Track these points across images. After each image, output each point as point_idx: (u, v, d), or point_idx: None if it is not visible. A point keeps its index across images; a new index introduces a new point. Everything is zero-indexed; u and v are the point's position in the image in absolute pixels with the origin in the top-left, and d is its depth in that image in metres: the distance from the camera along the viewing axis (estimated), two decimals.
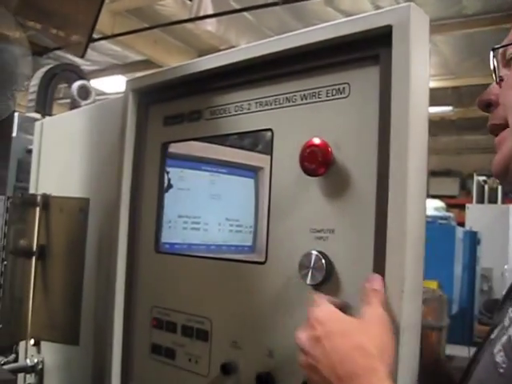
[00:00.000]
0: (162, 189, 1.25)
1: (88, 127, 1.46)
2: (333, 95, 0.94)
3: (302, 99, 0.99)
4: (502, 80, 0.88)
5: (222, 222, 1.44)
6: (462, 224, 5.34)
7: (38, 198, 1.50)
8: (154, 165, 1.24)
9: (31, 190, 1.68)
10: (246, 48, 1.06)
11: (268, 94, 1.04)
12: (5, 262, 1.27)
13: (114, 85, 7.30)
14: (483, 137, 9.18)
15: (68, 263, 1.45)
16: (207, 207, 1.43)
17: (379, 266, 0.84)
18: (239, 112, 1.08)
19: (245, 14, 5.34)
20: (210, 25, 5.55)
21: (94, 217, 1.41)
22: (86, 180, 1.45)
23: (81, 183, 1.46)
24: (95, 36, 5.51)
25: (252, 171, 1.17)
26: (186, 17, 5.39)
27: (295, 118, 0.99)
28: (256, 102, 1.06)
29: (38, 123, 1.71)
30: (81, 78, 3.49)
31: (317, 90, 0.97)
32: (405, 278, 0.81)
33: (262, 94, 1.05)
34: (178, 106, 1.21)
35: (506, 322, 0.81)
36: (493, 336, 0.87)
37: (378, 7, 5.05)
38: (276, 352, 0.98)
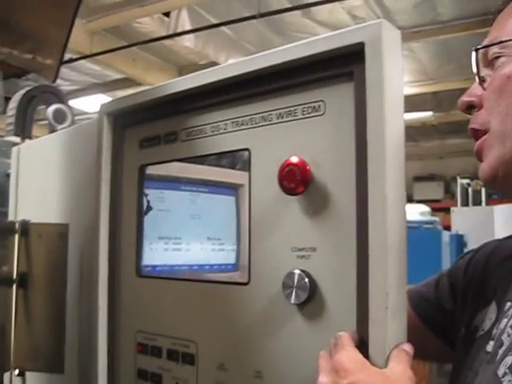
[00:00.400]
0: (141, 212, 1.23)
1: (64, 151, 1.45)
2: (308, 113, 0.94)
3: (277, 118, 0.98)
4: (483, 81, 0.88)
5: (204, 242, 1.43)
6: (447, 227, 5.38)
7: (17, 224, 1.47)
8: (132, 188, 1.23)
9: (10, 216, 1.66)
10: (219, 68, 1.05)
11: (244, 113, 1.03)
12: None
13: (94, 104, 7.29)
14: (465, 140, 9.28)
15: (49, 290, 1.42)
16: (188, 227, 1.42)
17: (362, 283, 0.84)
18: (215, 132, 1.08)
19: (222, 28, 5.36)
20: (188, 41, 5.56)
21: (75, 242, 1.39)
22: (65, 205, 1.43)
23: (60, 208, 1.45)
24: (73, 56, 5.51)
25: (232, 188, 1.16)
26: (163, 33, 5.41)
27: (272, 137, 0.98)
28: (232, 122, 1.05)
29: (14, 149, 1.69)
30: (60, 99, 3.48)
31: (292, 109, 0.96)
32: (388, 294, 0.81)
33: (237, 113, 1.04)
34: (153, 128, 1.20)
35: (506, 339, 0.80)
36: (489, 348, 0.87)
37: (354, 17, 5.09)
38: (264, 372, 0.97)
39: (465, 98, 0.93)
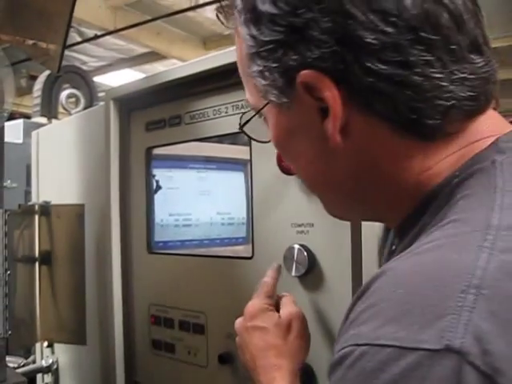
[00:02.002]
0: (150, 191, 1.29)
1: (78, 135, 1.51)
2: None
3: None
4: None
5: (214, 217, 1.49)
6: None
7: (36, 207, 1.55)
8: (140, 169, 1.29)
9: (33, 198, 1.73)
10: (220, 55, 1.09)
11: (243, 97, 1.05)
12: (8, 272, 1.32)
13: (122, 79, 7.36)
14: None
15: (70, 266, 1.50)
16: (197, 203, 1.47)
17: (356, 255, 0.89)
18: (217, 115, 1.12)
19: None
20: (210, 12, 5.54)
21: (91, 221, 1.46)
22: (81, 186, 1.50)
23: (77, 190, 1.51)
24: (98, 32, 5.56)
25: (240, 164, 1.20)
26: (186, 6, 5.40)
27: None
28: (232, 106, 1.09)
29: (34, 133, 1.76)
30: (84, 78, 3.55)
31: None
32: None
33: (237, 97, 1.08)
34: (158, 111, 1.25)
35: None
36: None
37: None
38: None
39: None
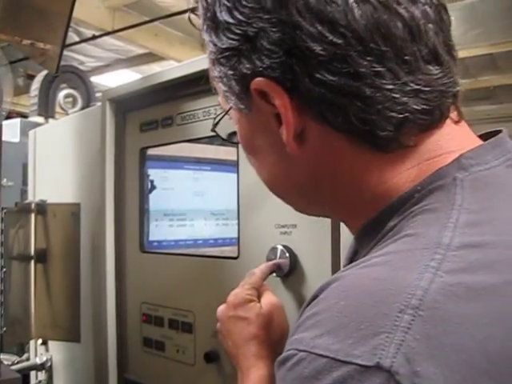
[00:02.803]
0: (144, 191, 1.31)
1: (75, 135, 1.52)
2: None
3: None
4: None
5: (208, 217, 1.51)
6: None
7: (32, 205, 1.57)
8: (135, 169, 1.31)
9: (30, 196, 1.75)
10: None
11: None
12: (4, 269, 1.34)
13: (120, 80, 7.36)
14: (493, 107, 9.12)
15: (65, 265, 1.52)
16: (192, 204, 1.49)
17: (336, 257, 0.90)
18: (207, 117, 1.14)
19: None
20: None
21: (87, 219, 1.48)
22: (77, 185, 1.52)
23: (73, 189, 1.53)
24: (96, 33, 5.58)
25: (234, 165, 1.23)
26: (185, 7, 5.41)
27: None
28: (221, 107, 1.10)
29: (31, 132, 1.78)
30: (81, 78, 3.57)
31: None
32: None
33: None
34: (152, 112, 1.27)
35: None
36: None
37: None
38: None
39: None
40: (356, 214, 0.58)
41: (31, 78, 3.82)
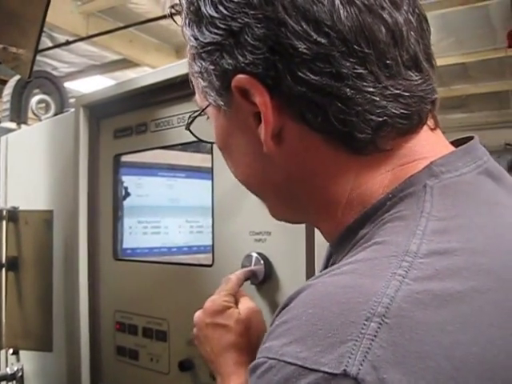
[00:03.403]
0: (117, 198, 1.30)
1: (48, 141, 1.50)
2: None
3: None
4: None
5: (183, 225, 1.50)
6: None
7: (4, 212, 1.55)
8: (109, 176, 1.29)
9: (1, 203, 1.72)
10: (184, 63, 1.10)
11: None
12: None
13: (93, 86, 7.30)
14: (465, 115, 9.26)
15: (37, 273, 1.50)
16: (167, 211, 1.48)
17: (310, 264, 0.90)
18: (181, 123, 1.14)
19: None
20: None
21: (60, 227, 1.46)
22: (50, 192, 1.50)
23: (45, 195, 1.51)
24: (70, 38, 5.53)
25: (209, 172, 1.22)
26: (160, 13, 5.40)
27: None
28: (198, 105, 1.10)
29: (3, 138, 1.75)
30: (54, 83, 3.52)
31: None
32: None
33: None
34: (126, 119, 1.26)
35: None
36: None
37: None
38: None
39: None
40: (331, 220, 0.57)
41: (3, 83, 3.76)
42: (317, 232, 0.87)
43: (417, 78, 0.51)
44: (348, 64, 0.49)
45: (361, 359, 0.37)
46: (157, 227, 1.44)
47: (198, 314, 0.89)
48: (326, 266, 0.70)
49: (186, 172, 1.47)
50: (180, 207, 1.47)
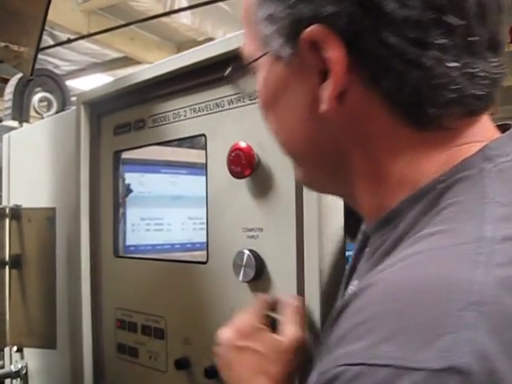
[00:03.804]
0: (118, 195, 1.29)
1: (50, 138, 1.50)
2: (255, 99, 0.99)
3: (229, 104, 1.02)
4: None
5: (185, 221, 1.50)
6: None
7: (7, 210, 1.55)
8: (110, 173, 1.29)
9: (4, 201, 1.72)
10: (178, 57, 1.09)
11: (200, 100, 1.08)
12: None
13: (94, 84, 7.27)
14: None
15: (40, 270, 1.50)
16: (169, 208, 1.49)
17: (300, 261, 0.89)
18: (176, 119, 1.13)
19: (219, 3, 5.34)
20: (185, 17, 5.54)
21: (63, 224, 1.46)
22: (52, 190, 1.50)
23: (48, 193, 1.51)
24: (71, 36, 5.52)
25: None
26: (161, 11, 5.39)
27: (224, 123, 1.03)
28: (191, 109, 1.10)
29: (5, 136, 1.75)
30: (56, 81, 3.52)
31: (241, 95, 0.99)
32: (322, 270, 0.86)
33: (195, 100, 1.09)
34: (125, 115, 1.26)
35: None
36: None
37: None
38: None
39: None
40: (375, 195, 0.55)
41: (5, 81, 3.75)
42: (307, 228, 0.87)
43: (494, 60, 0.50)
44: (435, 33, 0.47)
45: (465, 350, 0.35)
46: (160, 224, 1.44)
47: (225, 336, 0.81)
48: (360, 251, 0.67)
49: (189, 168, 1.47)
50: (183, 204, 1.47)
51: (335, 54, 0.49)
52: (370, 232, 0.60)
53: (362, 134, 0.53)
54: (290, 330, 0.80)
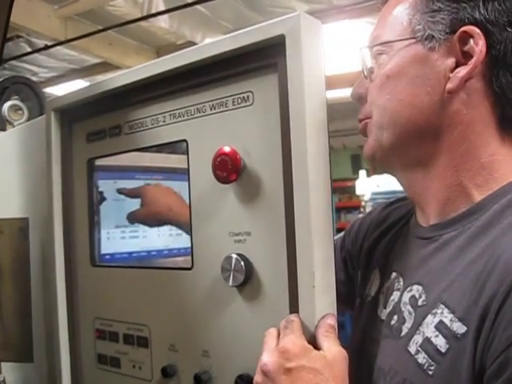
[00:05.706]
0: (92, 203, 1.27)
1: (21, 147, 1.47)
2: (238, 103, 0.97)
3: (211, 109, 1.01)
4: (372, 72, 0.90)
5: (161, 228, 1.48)
6: None
7: None
8: (83, 181, 1.27)
9: None
10: (156, 63, 1.08)
11: (180, 105, 1.06)
12: None
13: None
14: None
15: (15, 282, 1.46)
16: None
17: (292, 264, 0.88)
18: (155, 125, 1.11)
19: (197, 7, 5.31)
20: (163, 21, 5.51)
21: (36, 234, 1.43)
22: (25, 199, 1.47)
23: (20, 203, 1.48)
24: (48, 43, 5.47)
25: (186, 174, 1.20)
26: (138, 15, 5.36)
27: (207, 128, 1.02)
28: (170, 114, 1.08)
29: None
30: (33, 89, 3.48)
31: (224, 100, 0.99)
32: (315, 273, 0.85)
33: (174, 106, 1.07)
34: (99, 122, 1.23)
35: (408, 316, 0.83)
36: (383, 316, 0.92)
37: None
38: (211, 351, 1.02)
39: (356, 89, 0.95)
40: (458, 172, 0.73)
41: None
42: (298, 231, 0.86)
43: None
44: None
45: None
46: (135, 231, 1.41)
47: (269, 360, 0.76)
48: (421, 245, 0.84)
49: (164, 174, 1.45)
50: None
51: (480, 48, 0.70)
52: (439, 227, 0.78)
53: (467, 115, 0.71)
54: (331, 346, 0.79)
